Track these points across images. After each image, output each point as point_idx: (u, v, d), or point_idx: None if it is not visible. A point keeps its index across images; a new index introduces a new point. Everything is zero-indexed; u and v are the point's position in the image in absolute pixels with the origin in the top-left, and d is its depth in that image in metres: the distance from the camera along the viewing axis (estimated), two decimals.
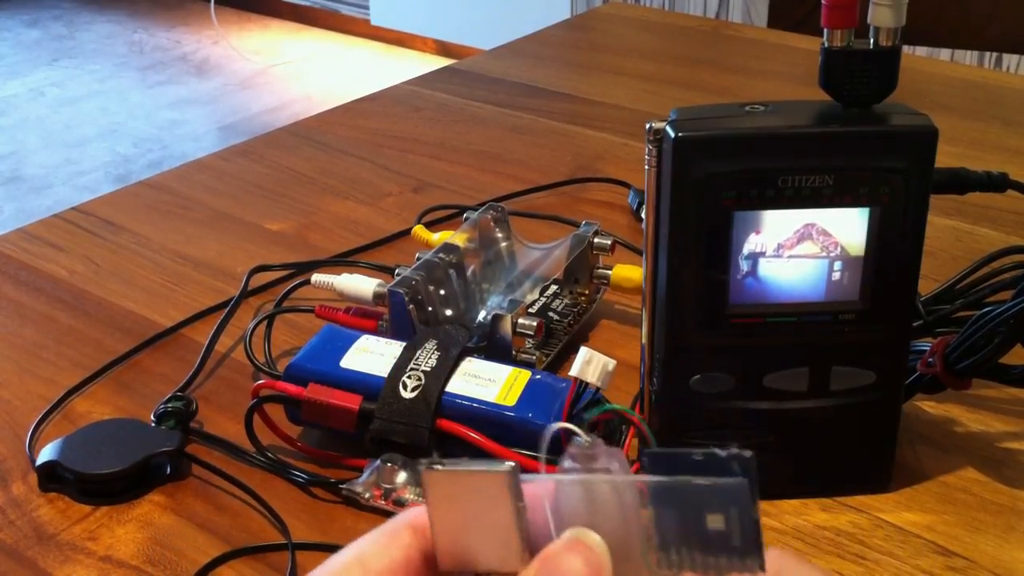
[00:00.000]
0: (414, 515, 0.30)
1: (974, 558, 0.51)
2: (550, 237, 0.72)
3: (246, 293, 0.71)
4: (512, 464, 0.28)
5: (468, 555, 0.29)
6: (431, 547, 0.29)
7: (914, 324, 0.56)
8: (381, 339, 0.59)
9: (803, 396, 0.52)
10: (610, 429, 0.54)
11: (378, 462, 0.54)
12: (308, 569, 0.50)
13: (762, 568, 0.27)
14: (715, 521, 0.27)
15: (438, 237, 0.72)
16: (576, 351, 0.52)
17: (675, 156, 0.48)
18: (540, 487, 0.29)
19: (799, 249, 0.50)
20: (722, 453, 0.27)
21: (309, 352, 0.58)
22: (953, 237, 0.79)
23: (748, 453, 0.27)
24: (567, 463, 0.28)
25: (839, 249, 0.50)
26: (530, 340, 0.61)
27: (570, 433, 0.29)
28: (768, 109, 0.50)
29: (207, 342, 0.65)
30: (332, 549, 0.51)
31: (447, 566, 0.29)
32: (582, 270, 0.68)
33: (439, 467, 0.28)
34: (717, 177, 0.48)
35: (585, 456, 0.28)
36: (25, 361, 0.66)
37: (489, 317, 0.61)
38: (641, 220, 0.68)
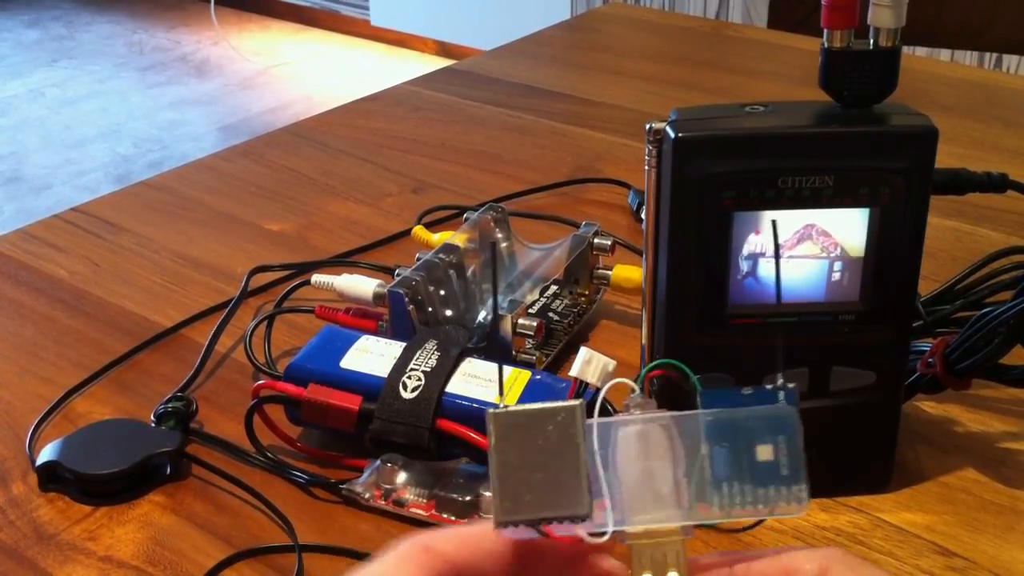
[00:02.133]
0: (427, 538, 0.30)
1: (974, 558, 0.51)
2: (550, 237, 0.72)
3: (246, 293, 0.71)
4: (580, 400, 0.29)
5: (530, 502, 0.29)
6: (444, 568, 0.29)
7: (914, 324, 0.56)
8: (381, 339, 0.59)
9: (803, 396, 0.52)
10: None
11: (378, 462, 0.54)
12: (313, 570, 0.50)
13: (808, 496, 0.29)
14: (764, 452, 0.29)
15: (438, 237, 0.72)
16: (576, 351, 0.52)
17: (675, 156, 0.48)
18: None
19: (799, 249, 0.50)
20: (768, 386, 0.29)
21: (309, 352, 0.58)
22: (953, 237, 0.79)
23: (792, 384, 0.29)
24: (622, 414, 0.30)
25: (839, 249, 0.50)
26: (530, 340, 0.61)
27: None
28: (768, 109, 0.50)
29: (207, 342, 0.65)
30: (337, 551, 0.51)
31: (506, 517, 0.29)
32: (582, 270, 0.68)
33: (502, 408, 0.29)
34: (717, 177, 0.48)
35: (639, 406, 0.30)
36: (25, 361, 0.66)
37: (489, 317, 0.61)
38: (641, 220, 0.68)
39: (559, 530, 0.29)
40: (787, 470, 0.29)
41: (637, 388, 0.30)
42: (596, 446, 0.29)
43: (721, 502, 0.29)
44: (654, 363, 0.31)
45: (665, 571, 0.30)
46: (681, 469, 0.30)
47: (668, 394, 0.31)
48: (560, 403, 0.29)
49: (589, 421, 0.30)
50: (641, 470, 0.30)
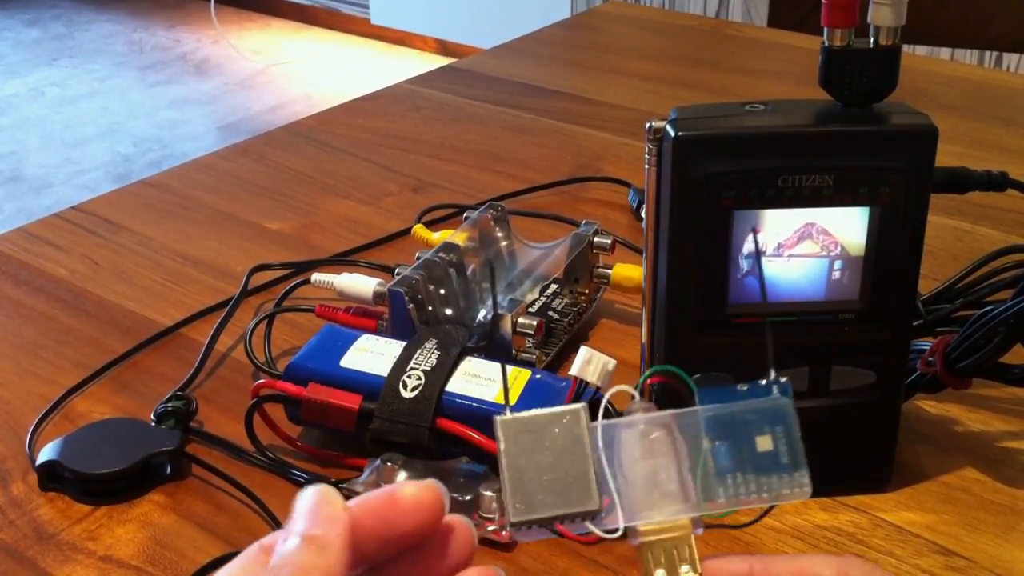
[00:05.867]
0: (267, 538, 0.30)
1: (974, 558, 0.51)
2: (550, 236, 0.72)
3: (246, 293, 0.71)
4: (583, 403, 0.30)
5: (542, 502, 0.30)
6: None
7: (914, 324, 0.56)
8: (381, 339, 0.59)
9: (803, 396, 0.52)
10: None
11: (378, 462, 0.53)
12: None
13: (810, 481, 0.30)
14: (764, 443, 0.30)
15: (438, 237, 0.72)
16: (576, 350, 0.52)
17: (675, 156, 0.48)
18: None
19: (799, 249, 0.50)
20: (762, 382, 0.31)
21: (309, 352, 0.58)
22: (953, 237, 0.79)
23: (784, 378, 0.31)
24: (625, 416, 0.31)
25: (839, 249, 0.50)
26: (530, 339, 0.61)
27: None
28: (768, 109, 0.50)
29: (207, 342, 0.65)
30: None
31: (520, 517, 0.30)
32: (582, 269, 0.68)
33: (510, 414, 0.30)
34: (717, 177, 0.48)
35: (641, 410, 0.31)
36: (25, 361, 0.66)
37: (489, 316, 0.61)
38: (641, 220, 0.68)
39: (572, 528, 0.30)
40: (787, 458, 0.30)
41: (637, 394, 0.31)
42: (601, 446, 0.30)
43: (727, 493, 0.30)
44: (652, 370, 0.32)
45: (677, 567, 0.30)
46: (685, 465, 0.31)
47: (668, 398, 0.32)
48: (565, 407, 0.30)
49: (593, 423, 0.31)
50: (647, 469, 0.31)
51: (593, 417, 0.31)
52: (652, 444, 0.31)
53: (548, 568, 0.50)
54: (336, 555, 0.29)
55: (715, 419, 0.31)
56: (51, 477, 0.55)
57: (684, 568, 0.30)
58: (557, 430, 0.30)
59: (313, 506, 0.30)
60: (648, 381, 0.32)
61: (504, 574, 0.31)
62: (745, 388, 0.31)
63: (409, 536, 0.30)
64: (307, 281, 0.69)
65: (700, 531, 0.31)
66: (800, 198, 0.48)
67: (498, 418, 0.30)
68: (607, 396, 0.32)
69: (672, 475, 0.31)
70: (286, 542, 0.29)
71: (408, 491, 0.30)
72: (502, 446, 0.30)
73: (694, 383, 0.31)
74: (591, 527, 0.30)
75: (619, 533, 0.30)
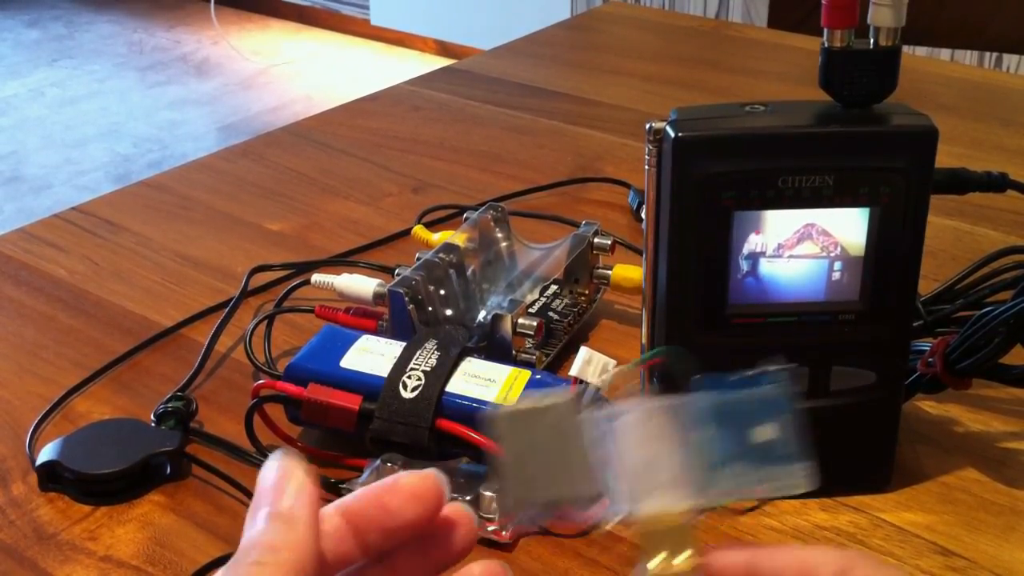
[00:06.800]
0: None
1: (974, 558, 0.51)
2: (550, 237, 0.72)
3: (246, 293, 0.71)
4: (576, 391, 0.31)
5: (542, 487, 0.31)
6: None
7: (914, 324, 0.56)
8: (381, 339, 0.59)
9: (803, 396, 0.52)
10: None
11: (378, 462, 0.54)
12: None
13: (808, 473, 0.30)
14: (762, 433, 0.30)
15: (438, 237, 0.72)
16: (576, 351, 0.52)
17: (675, 156, 0.48)
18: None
19: (799, 249, 0.50)
20: (760, 372, 0.31)
21: (309, 352, 0.58)
22: (953, 237, 0.79)
23: (784, 371, 0.31)
24: (621, 403, 0.31)
25: (839, 249, 0.50)
26: (530, 340, 0.61)
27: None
28: (768, 109, 0.50)
29: (207, 342, 0.65)
30: None
31: (520, 500, 0.31)
32: (582, 270, 0.68)
33: (506, 407, 0.31)
34: (717, 177, 0.48)
35: (640, 397, 0.31)
36: (25, 361, 0.66)
37: (489, 317, 0.61)
38: (641, 220, 0.68)
39: (571, 514, 0.31)
40: (786, 449, 0.30)
41: (639, 379, 0.31)
42: (601, 432, 0.31)
43: (726, 483, 0.31)
44: (654, 351, 0.32)
45: (677, 554, 0.31)
46: (684, 453, 0.31)
47: (667, 385, 0.32)
48: (559, 395, 0.31)
49: (592, 410, 0.31)
50: (645, 456, 0.31)
51: (592, 404, 0.31)
52: (651, 431, 0.31)
53: (548, 568, 0.50)
54: (304, 527, 0.29)
55: (713, 408, 0.31)
56: (51, 477, 0.55)
57: (684, 555, 0.30)
58: (553, 419, 0.31)
59: (276, 481, 0.30)
60: (648, 363, 0.32)
61: (508, 569, 0.31)
62: (743, 378, 0.31)
63: (409, 525, 0.30)
64: (307, 282, 0.69)
65: (699, 518, 0.31)
66: (800, 199, 0.48)
67: (492, 411, 0.31)
68: (603, 384, 0.32)
69: (671, 462, 0.31)
70: (253, 523, 0.29)
71: (408, 480, 0.30)
72: (499, 436, 0.31)
73: (694, 379, 0.31)
74: (590, 513, 0.30)
75: (617, 519, 0.30)
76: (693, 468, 0.31)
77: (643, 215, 0.53)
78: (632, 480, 0.31)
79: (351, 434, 0.55)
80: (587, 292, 0.69)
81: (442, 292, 0.63)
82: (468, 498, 0.51)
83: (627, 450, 0.31)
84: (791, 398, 0.30)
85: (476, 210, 0.70)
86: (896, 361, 0.52)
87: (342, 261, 0.75)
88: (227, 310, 0.68)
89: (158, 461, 0.56)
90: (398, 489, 0.30)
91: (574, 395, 0.31)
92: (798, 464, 0.30)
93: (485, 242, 0.68)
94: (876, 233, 0.49)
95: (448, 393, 0.55)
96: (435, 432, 0.54)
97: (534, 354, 0.62)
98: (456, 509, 0.32)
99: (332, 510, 0.31)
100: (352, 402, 0.55)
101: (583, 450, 0.30)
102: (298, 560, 0.28)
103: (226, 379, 0.64)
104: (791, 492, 0.30)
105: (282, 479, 0.30)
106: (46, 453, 0.55)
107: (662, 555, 0.30)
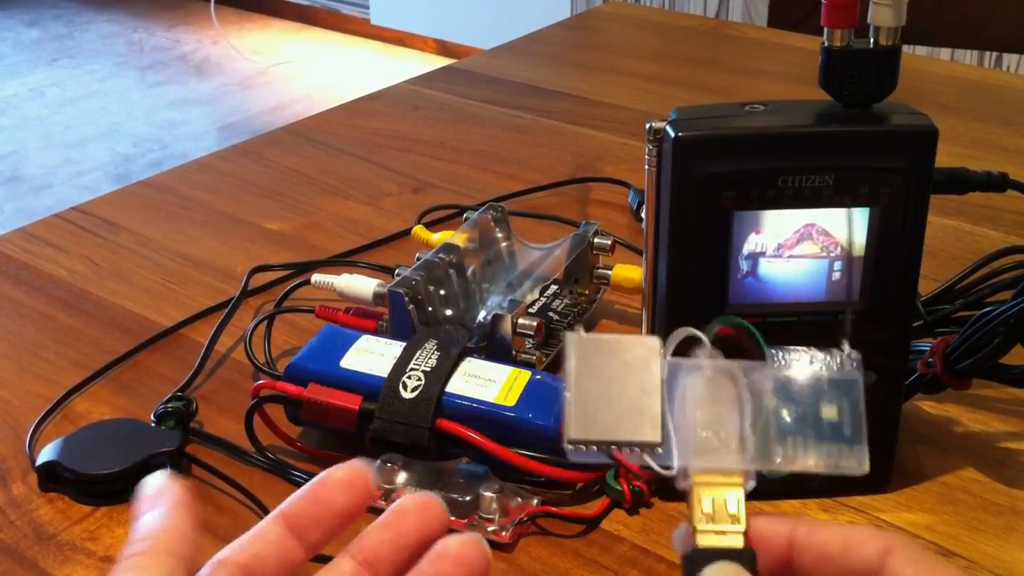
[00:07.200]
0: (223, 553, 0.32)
1: (974, 558, 0.51)
2: (550, 237, 0.72)
3: (246, 293, 0.71)
4: (659, 337, 0.31)
5: (604, 425, 0.30)
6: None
7: (914, 324, 0.56)
8: (381, 339, 0.59)
9: None
10: None
11: (378, 462, 0.54)
12: (313, 570, 0.50)
13: (867, 458, 0.30)
14: (829, 412, 0.31)
15: (438, 237, 0.72)
16: None
17: (675, 156, 0.48)
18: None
19: (799, 249, 0.50)
20: (836, 353, 0.31)
21: (309, 352, 0.58)
22: (953, 237, 0.79)
23: (857, 353, 0.31)
24: (695, 359, 0.31)
25: (839, 249, 0.50)
26: (530, 340, 0.61)
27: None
28: (768, 109, 0.50)
29: (207, 342, 0.65)
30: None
31: (579, 435, 0.30)
32: (582, 270, 0.68)
33: (583, 332, 0.30)
34: (717, 177, 0.48)
35: (710, 355, 0.31)
36: (25, 361, 0.66)
37: (489, 317, 0.61)
38: (641, 220, 0.68)
39: (629, 457, 0.30)
40: (849, 431, 0.31)
41: (707, 340, 0.31)
42: (667, 383, 0.31)
43: (785, 454, 0.31)
44: (721, 319, 0.31)
45: (724, 515, 0.30)
46: (747, 419, 0.31)
47: (734, 350, 0.32)
48: (642, 336, 0.31)
49: (666, 358, 0.31)
50: (709, 415, 0.31)
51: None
52: (717, 391, 0.31)
53: (548, 568, 0.50)
54: (175, 518, 0.32)
55: (785, 379, 0.31)
56: (51, 477, 0.55)
57: (730, 517, 0.30)
58: (630, 358, 0.30)
59: (150, 493, 0.33)
60: (716, 331, 0.32)
61: (483, 541, 0.31)
62: (817, 356, 0.31)
63: (344, 513, 0.33)
64: (307, 282, 0.69)
65: (752, 484, 0.31)
66: (800, 198, 0.48)
67: (569, 335, 0.30)
68: (673, 339, 0.32)
69: (732, 425, 0.31)
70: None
71: (336, 471, 0.33)
72: (572, 363, 0.30)
73: (767, 351, 0.31)
74: (647, 460, 0.30)
75: (673, 471, 0.30)
76: (755, 434, 0.31)
77: (643, 215, 0.53)
78: (691, 435, 0.31)
79: (351, 434, 0.55)
80: (587, 292, 0.69)
81: (442, 292, 0.63)
82: (468, 498, 0.51)
83: (692, 406, 0.31)
84: (863, 382, 0.31)
85: (476, 210, 0.70)
86: (896, 361, 0.52)
87: (342, 261, 0.75)
88: (227, 310, 0.68)
89: (158, 461, 0.56)
90: (326, 482, 0.33)
91: (658, 338, 0.31)
92: (858, 447, 0.30)
93: (485, 242, 0.68)
94: (876, 233, 0.49)
95: (448, 393, 0.55)
96: (435, 432, 0.54)
97: (534, 354, 0.62)
98: (422, 494, 0.33)
99: (270, 520, 0.33)
100: (352, 402, 0.55)
101: (655, 395, 0.30)
102: (171, 540, 0.31)
103: (226, 379, 0.64)
104: (848, 472, 0.30)
105: (156, 491, 0.33)
106: (46, 453, 0.55)
107: (707, 515, 0.30)
